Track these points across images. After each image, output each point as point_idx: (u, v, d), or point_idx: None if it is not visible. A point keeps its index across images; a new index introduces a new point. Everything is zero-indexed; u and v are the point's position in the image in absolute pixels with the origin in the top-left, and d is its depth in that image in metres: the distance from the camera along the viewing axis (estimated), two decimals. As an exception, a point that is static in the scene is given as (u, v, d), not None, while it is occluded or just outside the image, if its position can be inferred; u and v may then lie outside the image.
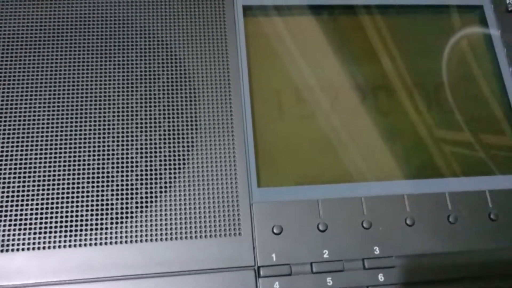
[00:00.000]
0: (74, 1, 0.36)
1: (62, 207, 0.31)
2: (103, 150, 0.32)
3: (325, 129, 0.36)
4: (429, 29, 0.41)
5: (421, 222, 0.33)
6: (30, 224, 0.30)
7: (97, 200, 0.31)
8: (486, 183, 0.35)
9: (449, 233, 0.33)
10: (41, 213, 0.31)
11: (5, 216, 0.30)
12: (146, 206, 0.32)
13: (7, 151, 0.32)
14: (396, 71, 0.39)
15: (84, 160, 0.32)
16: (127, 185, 0.32)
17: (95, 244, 0.30)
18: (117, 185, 0.32)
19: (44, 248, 0.30)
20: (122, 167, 0.32)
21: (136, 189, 0.32)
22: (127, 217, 0.31)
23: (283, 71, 0.38)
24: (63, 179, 0.31)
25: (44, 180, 0.31)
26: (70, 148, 0.32)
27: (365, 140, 0.36)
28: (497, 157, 0.37)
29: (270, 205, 0.33)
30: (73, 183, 0.31)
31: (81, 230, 0.30)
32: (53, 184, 0.31)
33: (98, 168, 0.32)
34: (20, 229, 0.30)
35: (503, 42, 0.40)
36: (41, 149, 0.32)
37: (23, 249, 0.30)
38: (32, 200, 0.31)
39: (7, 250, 0.30)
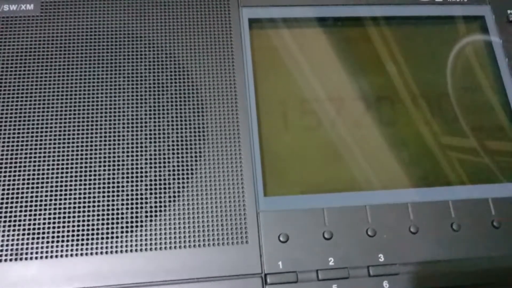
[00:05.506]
0: (83, 15, 0.37)
1: (74, 217, 0.32)
2: (113, 161, 0.33)
3: (330, 139, 0.37)
4: (432, 39, 0.41)
5: (425, 230, 0.33)
6: (43, 233, 0.31)
7: (108, 210, 0.32)
8: (488, 191, 0.36)
9: (453, 240, 0.33)
10: (54, 223, 0.31)
11: (19, 226, 0.31)
12: (156, 215, 0.32)
13: (20, 163, 0.33)
14: (399, 81, 0.39)
15: (95, 171, 0.33)
16: (136, 194, 0.33)
17: (106, 252, 0.31)
18: (127, 195, 0.32)
19: (57, 256, 0.31)
20: (132, 177, 0.33)
21: (146, 198, 0.33)
22: (137, 226, 0.32)
23: (289, 82, 0.38)
24: (75, 190, 0.32)
25: (56, 191, 0.32)
26: (82, 158, 0.33)
27: (369, 149, 0.37)
28: (499, 165, 0.37)
29: (276, 214, 0.33)
30: (85, 193, 0.32)
31: (92, 239, 0.31)
32: (65, 195, 0.32)
33: (109, 178, 0.33)
34: (33, 238, 0.31)
35: (505, 51, 0.40)
36: (53, 160, 0.33)
37: (36, 258, 0.30)
38: (45, 210, 0.32)
39: (21, 259, 0.30)
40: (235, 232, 0.32)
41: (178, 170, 0.33)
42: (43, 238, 0.31)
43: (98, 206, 0.32)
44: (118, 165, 0.33)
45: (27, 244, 0.31)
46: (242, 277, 0.31)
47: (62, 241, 0.31)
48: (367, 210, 0.34)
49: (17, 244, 0.31)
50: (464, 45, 0.41)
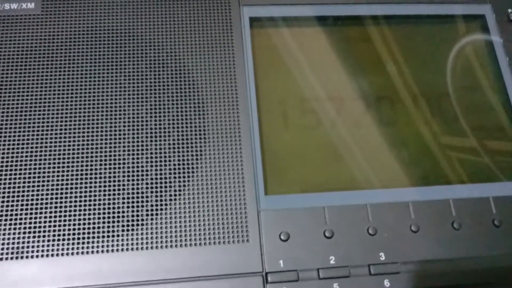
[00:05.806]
0: (84, 14, 0.37)
1: (74, 215, 0.31)
2: (114, 159, 0.33)
3: (330, 138, 0.37)
4: (432, 39, 0.41)
5: (426, 228, 0.33)
6: (44, 232, 0.31)
7: (109, 208, 0.32)
8: (489, 190, 0.36)
9: (453, 239, 0.33)
10: (55, 221, 0.31)
11: (20, 224, 0.31)
12: (156, 214, 0.32)
13: (21, 161, 0.33)
14: (400, 80, 0.39)
15: (96, 169, 0.33)
16: (137, 193, 0.32)
17: (107, 251, 0.31)
18: (128, 193, 0.32)
19: (57, 255, 0.31)
20: (133, 175, 0.33)
21: (147, 197, 0.32)
22: (137, 225, 0.32)
23: (289, 81, 0.38)
24: (76, 188, 0.32)
25: (57, 189, 0.32)
26: (83, 157, 0.33)
27: (370, 148, 0.37)
28: (500, 164, 0.37)
29: (277, 213, 0.33)
30: (85, 192, 0.32)
31: (93, 237, 0.31)
32: (66, 193, 0.32)
33: (110, 177, 0.33)
34: (34, 237, 0.31)
35: (505, 51, 0.41)
36: (54, 158, 0.33)
37: (37, 256, 0.30)
38: (46, 208, 0.31)
39: (21, 257, 0.30)
40: (236, 230, 0.32)
41: (179, 168, 0.33)
42: (43, 237, 0.31)
43: (99, 204, 0.32)
44: (119, 163, 0.33)
45: (28, 243, 0.31)
46: (243, 276, 0.31)
47: (63, 240, 0.31)
48: (368, 209, 0.34)
49: (18, 243, 0.31)
50: (465, 44, 0.41)
